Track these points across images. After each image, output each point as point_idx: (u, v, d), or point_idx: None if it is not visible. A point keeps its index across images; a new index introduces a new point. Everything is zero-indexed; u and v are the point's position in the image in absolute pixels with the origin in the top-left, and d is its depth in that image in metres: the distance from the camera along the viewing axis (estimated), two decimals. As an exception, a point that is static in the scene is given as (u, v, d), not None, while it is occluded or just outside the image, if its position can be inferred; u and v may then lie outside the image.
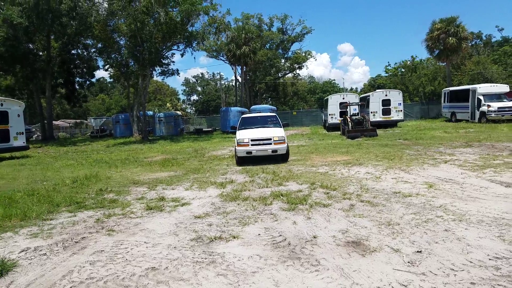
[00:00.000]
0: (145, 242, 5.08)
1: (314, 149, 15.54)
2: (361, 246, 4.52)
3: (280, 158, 12.41)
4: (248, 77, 45.79)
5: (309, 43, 64.44)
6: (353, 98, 27.88)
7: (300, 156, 13.40)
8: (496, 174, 8.53)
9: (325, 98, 32.21)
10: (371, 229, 5.14)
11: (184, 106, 69.13)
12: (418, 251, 4.28)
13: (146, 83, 30.33)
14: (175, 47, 31.51)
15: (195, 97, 76.07)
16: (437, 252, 4.25)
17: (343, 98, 27.82)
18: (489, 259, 4.01)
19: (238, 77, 45.55)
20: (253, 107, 34.21)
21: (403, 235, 4.85)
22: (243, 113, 32.48)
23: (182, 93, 76.45)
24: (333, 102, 27.91)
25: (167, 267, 4.19)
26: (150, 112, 39.49)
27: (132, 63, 31.59)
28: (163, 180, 9.87)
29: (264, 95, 55.58)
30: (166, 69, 32.85)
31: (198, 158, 14.81)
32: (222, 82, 67.25)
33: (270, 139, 11.86)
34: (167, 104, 59.01)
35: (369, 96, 28.71)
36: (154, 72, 32.91)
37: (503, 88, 26.73)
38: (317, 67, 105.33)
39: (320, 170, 10.32)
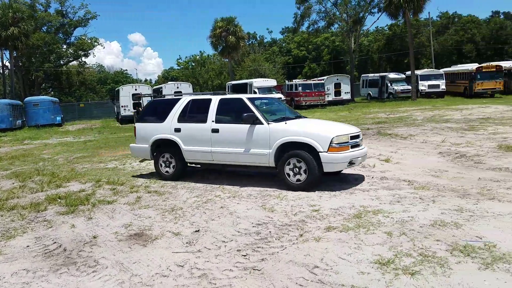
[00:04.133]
0: None
1: (104, 144, 14.60)
2: (143, 237, 4.55)
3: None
4: (20, 64, 38.51)
5: (95, 30, 59.37)
6: (146, 90, 27.66)
7: (87, 153, 12.33)
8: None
9: (116, 89, 30.71)
10: (155, 218, 5.23)
11: None
12: (196, 231, 4.63)
13: None
14: None
15: None
16: (212, 228, 4.71)
17: (136, 90, 27.19)
18: (253, 226, 4.72)
19: (7, 63, 37.72)
20: (28, 99, 29.02)
21: (185, 218, 5.16)
22: (14, 106, 26.90)
23: None
24: (125, 94, 26.94)
25: None
26: None
27: None
28: None
29: (44, 84, 47.86)
30: None
31: None
32: (-16, 69, 54.11)
33: (359, 136, 6.96)
34: None
35: (161, 87, 29.06)
36: None
37: (272, 82, 32.15)
38: (107, 56, 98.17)
39: (109, 165, 9.78)
